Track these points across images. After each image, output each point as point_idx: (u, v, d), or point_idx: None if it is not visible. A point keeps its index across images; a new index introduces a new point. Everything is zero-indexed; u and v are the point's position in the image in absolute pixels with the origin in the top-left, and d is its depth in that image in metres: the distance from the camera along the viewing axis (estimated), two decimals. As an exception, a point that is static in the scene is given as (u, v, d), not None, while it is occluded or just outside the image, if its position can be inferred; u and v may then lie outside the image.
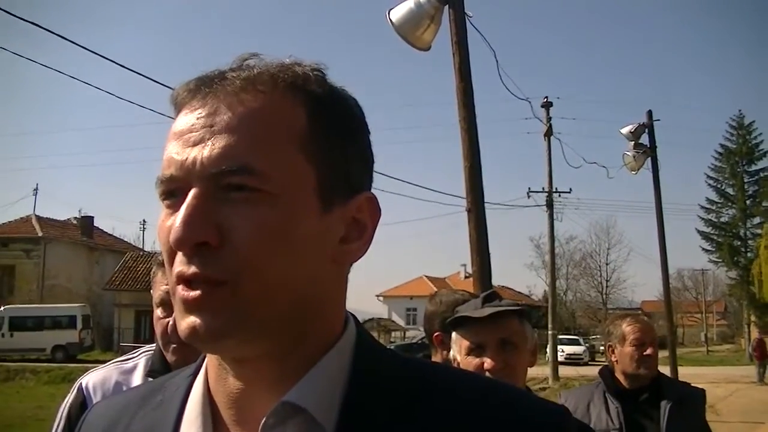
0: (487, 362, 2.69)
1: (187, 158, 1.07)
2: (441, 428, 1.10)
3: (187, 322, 1.06)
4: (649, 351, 4.29)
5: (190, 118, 1.10)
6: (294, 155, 1.10)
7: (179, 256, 1.07)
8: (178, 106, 1.15)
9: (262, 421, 1.08)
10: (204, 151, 1.06)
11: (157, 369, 2.71)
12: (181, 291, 1.06)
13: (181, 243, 1.04)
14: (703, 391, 4.56)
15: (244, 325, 1.06)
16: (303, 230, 1.09)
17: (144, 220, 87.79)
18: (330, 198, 1.13)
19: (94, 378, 2.79)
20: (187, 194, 1.07)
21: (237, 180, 1.05)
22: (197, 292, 1.05)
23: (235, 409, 1.14)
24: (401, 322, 75.41)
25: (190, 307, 1.06)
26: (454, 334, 2.88)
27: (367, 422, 1.10)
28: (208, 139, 1.06)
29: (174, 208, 1.09)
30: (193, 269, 1.05)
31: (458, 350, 2.82)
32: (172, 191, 1.10)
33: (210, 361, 1.20)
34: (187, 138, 1.08)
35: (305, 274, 1.10)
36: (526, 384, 3.02)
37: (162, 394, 1.26)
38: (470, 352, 2.76)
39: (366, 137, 1.23)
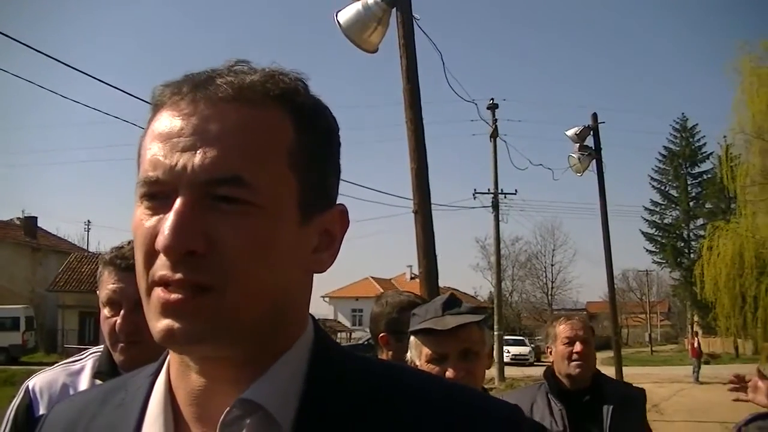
0: (449, 372, 2.69)
1: (176, 163, 1.07)
2: (397, 426, 1.12)
3: (163, 324, 1.07)
4: (577, 347, 4.29)
5: (177, 121, 1.10)
6: (281, 169, 1.11)
7: (162, 260, 1.07)
8: (161, 106, 1.14)
9: (221, 418, 1.10)
10: (195, 159, 1.06)
11: (105, 370, 2.70)
12: (161, 293, 1.07)
13: (171, 250, 1.04)
14: (643, 391, 4.60)
15: (223, 331, 1.07)
16: (284, 241, 1.11)
17: (88, 221, 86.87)
18: (309, 211, 1.15)
19: (41, 380, 2.77)
20: (171, 198, 1.07)
21: (227, 191, 1.06)
22: (179, 296, 1.05)
23: (195, 406, 1.16)
24: (347, 323, 75.41)
25: (168, 310, 1.06)
26: (413, 339, 2.87)
27: (323, 419, 1.12)
28: (200, 147, 1.07)
29: (156, 210, 1.09)
30: (179, 275, 1.05)
31: (418, 356, 2.81)
32: (154, 193, 1.10)
33: (173, 358, 1.20)
34: (176, 142, 1.08)
35: (282, 282, 1.12)
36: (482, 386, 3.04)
37: (124, 392, 1.27)
38: (431, 360, 2.76)
39: (339, 150, 1.25)
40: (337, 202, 1.24)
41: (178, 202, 1.06)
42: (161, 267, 1.07)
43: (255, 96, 1.12)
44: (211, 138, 1.07)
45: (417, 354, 2.83)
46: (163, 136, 1.10)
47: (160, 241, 1.05)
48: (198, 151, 1.06)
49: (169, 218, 1.05)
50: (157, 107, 1.15)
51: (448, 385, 1.30)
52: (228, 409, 1.10)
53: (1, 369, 35.46)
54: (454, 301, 2.92)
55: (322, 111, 1.21)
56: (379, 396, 1.16)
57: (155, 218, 1.09)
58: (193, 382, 1.16)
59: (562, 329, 4.39)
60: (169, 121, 1.11)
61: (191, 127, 1.08)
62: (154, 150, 1.10)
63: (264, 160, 1.09)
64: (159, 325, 1.07)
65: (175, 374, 1.19)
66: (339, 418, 1.13)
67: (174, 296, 1.06)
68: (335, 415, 1.13)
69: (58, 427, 1.31)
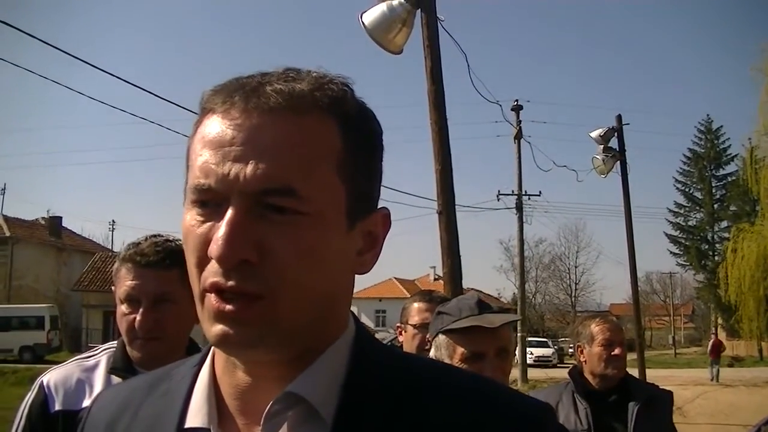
0: (487, 371, 2.68)
1: (228, 172, 1.08)
2: (433, 421, 1.15)
3: (218, 329, 1.10)
4: (617, 351, 4.31)
5: (228, 130, 1.11)
6: (330, 177, 1.13)
7: (215, 266, 1.09)
8: (211, 112, 1.16)
9: (266, 410, 1.14)
10: (247, 169, 1.07)
11: (120, 366, 2.73)
12: (214, 301, 1.09)
13: (224, 259, 1.06)
14: (670, 393, 4.58)
15: (275, 336, 1.11)
16: (332, 248, 1.14)
17: (113, 221, 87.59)
18: (355, 216, 1.18)
19: (56, 376, 2.77)
20: (222, 206, 1.09)
21: (278, 201, 1.08)
22: (231, 306, 1.08)
23: (240, 400, 1.20)
24: (370, 324, 74.98)
25: (222, 317, 1.09)
26: (443, 338, 2.86)
27: (364, 412, 1.15)
28: (251, 157, 1.08)
29: (207, 217, 1.12)
30: (231, 283, 1.08)
31: (449, 355, 2.80)
32: (205, 201, 1.12)
33: (218, 354, 1.24)
34: (228, 151, 1.09)
35: (331, 287, 1.16)
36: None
37: (168, 382, 1.30)
38: (466, 359, 2.76)
39: (382, 154, 1.27)
40: (379, 206, 1.26)
41: (230, 211, 1.08)
42: (214, 274, 1.10)
43: (305, 105, 1.13)
44: (263, 148, 1.09)
45: (449, 353, 2.81)
46: (215, 144, 1.11)
47: (214, 250, 1.07)
48: (250, 162, 1.08)
49: (222, 228, 1.08)
50: (206, 112, 1.17)
51: (482, 381, 1.32)
52: (272, 401, 1.14)
53: (26, 367, 35.54)
54: (486, 304, 2.94)
55: (368, 116, 1.24)
56: (417, 390, 1.19)
57: (207, 225, 1.11)
58: (239, 378, 1.20)
59: (600, 330, 4.39)
60: (220, 128, 1.12)
61: (243, 137, 1.10)
62: (205, 157, 1.12)
63: (314, 169, 1.11)
64: (214, 330, 1.10)
65: (221, 369, 1.23)
66: (379, 411, 1.15)
67: (228, 306, 1.08)
68: (376, 408, 1.16)
69: (106, 414, 1.34)
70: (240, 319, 1.08)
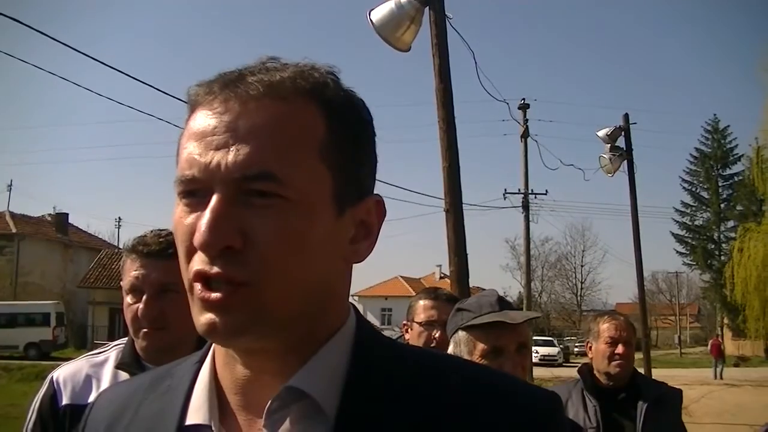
0: (507, 366, 2.73)
1: (210, 161, 1.09)
2: (437, 412, 1.15)
3: (206, 318, 1.10)
4: (620, 349, 4.32)
5: (211, 120, 1.12)
6: (314, 162, 1.13)
7: (200, 255, 1.10)
8: (196, 105, 1.17)
9: (267, 405, 1.13)
10: (228, 156, 1.09)
11: (127, 361, 2.74)
12: (200, 291, 1.10)
13: (207, 246, 1.07)
14: (680, 391, 4.59)
15: (263, 323, 1.10)
16: (320, 234, 1.13)
17: (119, 218, 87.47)
18: (343, 202, 1.17)
19: (65, 371, 2.81)
20: (208, 195, 1.10)
21: (260, 186, 1.09)
22: (218, 294, 1.08)
23: (241, 395, 1.19)
24: (376, 323, 74.93)
25: (209, 306, 1.09)
26: (464, 335, 2.89)
27: (367, 406, 1.14)
28: (232, 144, 1.09)
29: (194, 207, 1.12)
30: (216, 270, 1.08)
31: (469, 351, 2.83)
32: (192, 191, 1.12)
33: (218, 349, 1.24)
34: (210, 140, 1.11)
35: (320, 274, 1.15)
36: None
37: (169, 380, 1.30)
38: (487, 354, 2.79)
39: (374, 141, 1.27)
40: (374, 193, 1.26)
41: (213, 199, 1.09)
42: (199, 262, 1.10)
43: (285, 92, 1.14)
44: (243, 135, 1.10)
45: (468, 349, 2.84)
46: (198, 135, 1.12)
47: (197, 239, 1.08)
48: (231, 149, 1.09)
49: (205, 216, 1.08)
50: (192, 107, 1.18)
51: (486, 371, 1.33)
52: (274, 396, 1.13)
53: (31, 364, 35.62)
54: (504, 299, 2.98)
55: (354, 103, 1.23)
56: (420, 382, 1.18)
57: (193, 215, 1.12)
58: (238, 372, 1.19)
59: (606, 328, 4.41)
60: (203, 120, 1.13)
61: (224, 126, 1.11)
62: (189, 149, 1.13)
63: (295, 154, 1.11)
64: (201, 319, 1.10)
65: (221, 364, 1.23)
66: (382, 404, 1.15)
67: (214, 294, 1.09)
68: (379, 402, 1.15)
69: (107, 413, 1.34)
70: (226, 307, 1.08)
